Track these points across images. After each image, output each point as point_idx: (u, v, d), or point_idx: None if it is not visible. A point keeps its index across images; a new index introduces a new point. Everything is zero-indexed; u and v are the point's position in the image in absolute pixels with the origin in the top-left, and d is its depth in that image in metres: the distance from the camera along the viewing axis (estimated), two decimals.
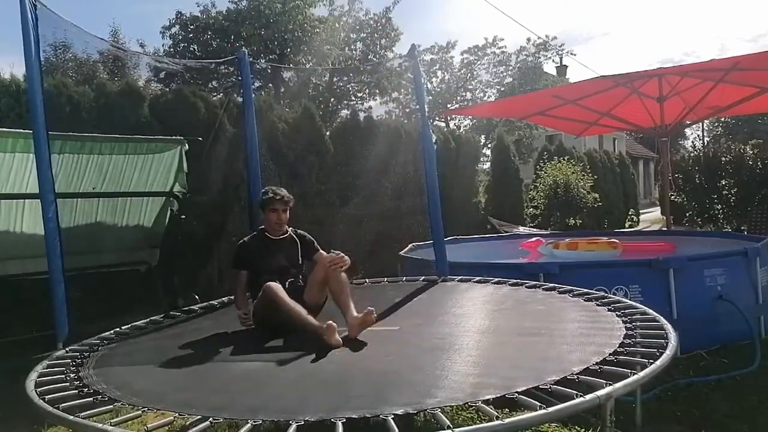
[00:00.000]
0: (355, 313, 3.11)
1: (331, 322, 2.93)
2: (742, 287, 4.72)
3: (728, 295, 4.52)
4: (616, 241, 6.49)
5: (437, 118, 22.35)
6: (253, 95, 5.24)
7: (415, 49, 4.91)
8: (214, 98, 8.73)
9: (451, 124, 23.00)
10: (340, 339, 2.89)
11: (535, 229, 11.14)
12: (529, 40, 23.77)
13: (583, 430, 2.95)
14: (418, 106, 4.89)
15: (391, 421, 1.82)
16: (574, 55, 35.72)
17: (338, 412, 1.93)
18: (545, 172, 12.74)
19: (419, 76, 4.90)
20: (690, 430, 3.18)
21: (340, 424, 1.83)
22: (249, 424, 1.88)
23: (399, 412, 1.91)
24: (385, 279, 4.71)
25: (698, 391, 3.69)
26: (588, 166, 13.80)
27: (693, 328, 4.26)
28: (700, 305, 4.50)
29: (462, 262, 5.24)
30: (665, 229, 8.93)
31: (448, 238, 5.38)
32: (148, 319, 3.70)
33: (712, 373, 3.94)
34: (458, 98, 24.32)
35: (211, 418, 1.94)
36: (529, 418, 1.84)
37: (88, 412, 2.10)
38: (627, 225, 15.79)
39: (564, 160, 12.97)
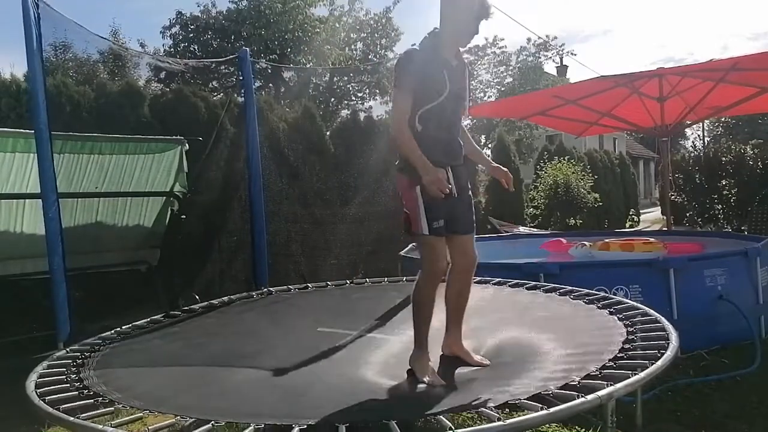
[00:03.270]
0: (466, 346, 2.67)
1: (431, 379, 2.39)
2: (742, 287, 4.72)
3: (728, 295, 4.51)
4: (652, 240, 6.28)
5: None
6: (254, 95, 5.24)
7: None
8: (215, 98, 8.70)
9: None
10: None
11: (535, 229, 11.13)
12: (529, 40, 23.75)
13: (584, 430, 2.94)
14: None
15: (395, 425, 1.82)
16: (575, 55, 35.75)
17: (341, 415, 1.92)
18: (545, 172, 12.74)
19: None
20: (690, 430, 3.17)
21: (343, 428, 1.82)
22: (251, 427, 1.87)
23: (402, 417, 1.90)
24: (386, 279, 4.70)
25: (698, 391, 3.68)
26: (588, 166, 13.80)
27: (693, 328, 4.24)
28: (700, 305, 4.50)
29: None
30: (665, 229, 8.91)
31: None
32: (148, 319, 3.70)
33: (712, 373, 3.93)
34: None
35: (212, 422, 1.93)
36: (531, 419, 1.84)
37: (89, 413, 2.09)
38: (627, 225, 15.79)
39: (564, 160, 12.97)
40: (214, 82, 18.85)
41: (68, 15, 3.64)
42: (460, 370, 2.49)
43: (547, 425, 2.96)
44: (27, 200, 4.48)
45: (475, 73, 24.36)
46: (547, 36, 23.48)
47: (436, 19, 2.68)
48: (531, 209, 12.66)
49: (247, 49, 5.22)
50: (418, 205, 2.56)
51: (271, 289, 4.46)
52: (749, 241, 5.92)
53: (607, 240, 6.51)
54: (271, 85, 18.67)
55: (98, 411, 2.13)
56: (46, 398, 2.27)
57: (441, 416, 1.88)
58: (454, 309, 2.80)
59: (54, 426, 2.98)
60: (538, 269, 4.54)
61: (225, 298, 4.23)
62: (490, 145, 17.13)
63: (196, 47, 18.52)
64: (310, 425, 1.88)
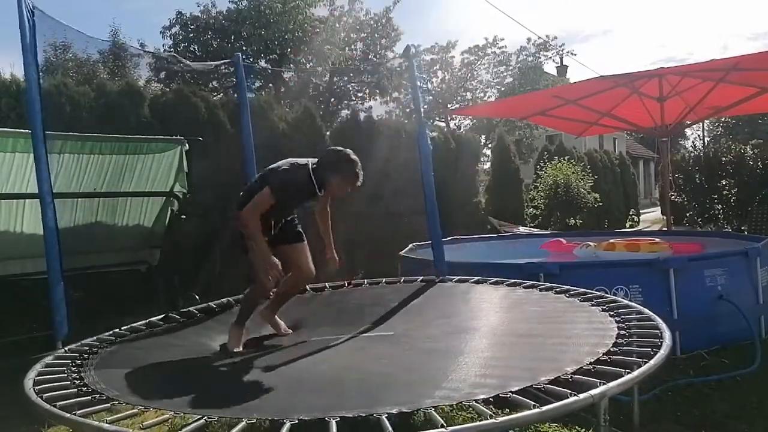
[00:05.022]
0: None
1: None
2: (742, 287, 4.72)
3: (728, 295, 4.51)
4: (658, 240, 6.26)
5: (437, 118, 22.37)
6: (253, 95, 5.27)
7: (410, 50, 4.91)
8: (215, 98, 8.71)
9: (452, 124, 23.03)
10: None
11: (535, 229, 11.13)
12: (529, 40, 23.79)
13: (583, 430, 2.95)
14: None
15: (385, 420, 1.82)
16: (575, 55, 35.80)
17: (332, 411, 1.92)
18: (545, 172, 12.74)
19: (415, 76, 4.92)
20: (690, 430, 3.17)
21: (333, 422, 1.83)
22: (243, 423, 1.88)
23: (393, 411, 1.91)
24: (384, 280, 4.71)
25: (698, 391, 3.68)
26: (588, 166, 13.80)
27: (693, 328, 4.26)
28: (700, 305, 4.50)
29: (462, 262, 5.23)
30: (665, 229, 8.92)
31: (448, 239, 5.37)
32: (146, 320, 3.71)
33: (712, 373, 3.94)
34: (458, 98, 24.32)
35: (205, 417, 1.94)
36: (522, 417, 1.84)
37: (86, 410, 2.10)
38: (627, 225, 15.79)
39: (564, 160, 12.97)
40: (214, 82, 18.88)
41: (68, 15, 3.69)
42: (453, 364, 2.49)
43: (547, 425, 2.98)
44: (27, 200, 4.48)
45: (475, 73, 24.43)
46: (547, 36, 23.54)
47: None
48: (531, 209, 12.66)
49: (240, 54, 5.24)
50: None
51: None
52: (749, 241, 5.92)
53: (612, 240, 6.50)
54: (271, 85, 18.69)
55: (95, 407, 2.14)
56: (44, 395, 2.27)
57: (434, 414, 1.88)
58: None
59: (54, 426, 2.99)
60: (538, 269, 4.54)
61: (224, 300, 4.23)
62: (490, 145, 17.13)
63: (196, 47, 18.55)
64: (302, 420, 1.88)
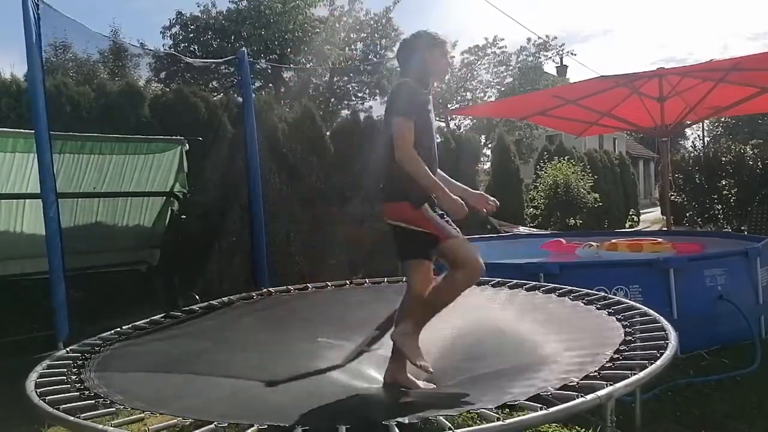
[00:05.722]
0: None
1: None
2: (742, 287, 4.71)
3: (728, 295, 4.51)
4: (660, 240, 6.23)
5: (437, 118, 22.34)
6: (254, 95, 5.25)
7: None
8: (215, 98, 8.72)
9: (451, 124, 23.02)
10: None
11: (535, 229, 11.13)
12: (529, 40, 23.79)
13: (583, 430, 2.95)
14: None
15: (394, 426, 1.81)
16: (575, 55, 35.77)
17: (342, 418, 1.92)
18: (545, 172, 12.74)
19: None
20: (690, 430, 3.17)
21: (344, 429, 1.82)
22: (254, 427, 1.86)
23: (404, 420, 1.89)
24: (386, 279, 4.70)
25: (698, 391, 3.68)
26: (588, 166, 13.79)
27: (693, 328, 4.25)
28: (700, 305, 4.50)
29: None
30: (665, 229, 8.91)
31: None
32: (148, 319, 3.70)
33: (712, 373, 3.93)
34: (458, 98, 24.31)
35: (215, 423, 1.91)
36: (530, 419, 1.84)
37: (89, 413, 2.09)
38: (627, 225, 15.79)
39: (564, 160, 12.97)
40: (214, 82, 18.89)
41: (70, 15, 3.65)
42: (459, 373, 2.49)
43: (547, 425, 2.98)
44: (27, 200, 4.48)
45: (475, 73, 24.41)
46: (547, 36, 23.53)
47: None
48: (531, 209, 12.65)
49: (245, 50, 5.23)
50: (434, 217, 2.60)
51: (270, 289, 4.46)
52: (749, 241, 5.91)
53: (614, 240, 6.49)
54: (271, 85, 18.70)
55: (98, 411, 2.13)
56: (46, 398, 2.27)
57: (442, 419, 1.87)
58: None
59: (54, 426, 2.98)
60: (538, 269, 4.53)
61: (225, 299, 4.22)
62: (490, 145, 17.14)
63: (196, 47, 18.55)
64: (312, 427, 1.87)
